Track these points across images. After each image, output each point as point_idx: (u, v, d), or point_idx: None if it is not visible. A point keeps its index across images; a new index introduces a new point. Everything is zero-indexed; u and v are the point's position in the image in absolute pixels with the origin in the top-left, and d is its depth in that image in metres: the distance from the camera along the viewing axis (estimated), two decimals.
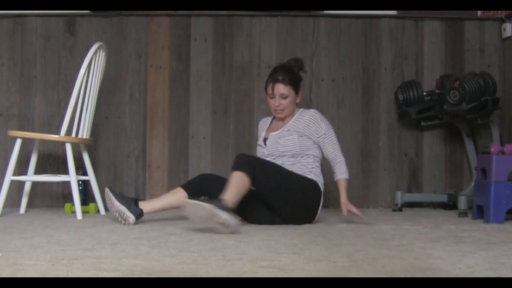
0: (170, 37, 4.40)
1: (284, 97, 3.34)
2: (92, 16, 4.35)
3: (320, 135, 3.32)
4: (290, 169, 3.26)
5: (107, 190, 3.24)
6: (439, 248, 2.34)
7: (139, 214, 3.18)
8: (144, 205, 3.22)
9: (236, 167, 3.09)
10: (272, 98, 3.37)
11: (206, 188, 3.29)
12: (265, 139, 3.42)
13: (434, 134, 4.46)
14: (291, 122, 3.38)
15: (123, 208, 3.14)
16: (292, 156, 3.29)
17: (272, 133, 3.38)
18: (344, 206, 3.28)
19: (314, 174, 3.30)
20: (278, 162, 3.30)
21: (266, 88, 3.42)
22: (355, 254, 2.18)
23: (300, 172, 3.27)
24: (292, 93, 3.36)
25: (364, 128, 4.43)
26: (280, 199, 3.19)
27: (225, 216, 2.78)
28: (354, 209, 3.28)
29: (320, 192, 3.28)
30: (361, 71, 4.44)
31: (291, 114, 3.41)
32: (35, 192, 4.26)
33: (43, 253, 2.16)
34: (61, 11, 4.23)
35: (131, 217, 3.14)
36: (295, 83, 3.37)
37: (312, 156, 3.32)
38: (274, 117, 3.50)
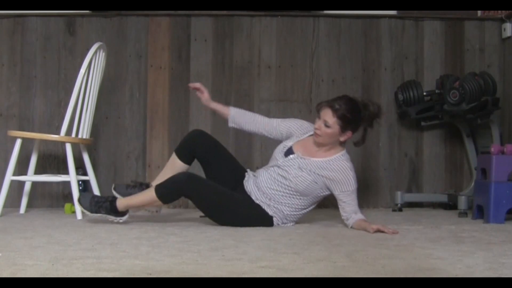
0: (170, 37, 4.40)
1: (326, 124, 3.08)
2: (92, 16, 4.35)
3: (344, 190, 3.10)
4: (273, 192, 3.15)
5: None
6: (439, 248, 2.34)
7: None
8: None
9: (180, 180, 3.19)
10: (318, 118, 3.14)
11: (197, 148, 3.39)
12: (289, 151, 3.21)
13: (434, 134, 4.46)
14: (322, 160, 3.14)
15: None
16: (292, 190, 3.13)
17: (299, 155, 3.17)
18: (372, 230, 2.97)
19: (279, 210, 3.16)
20: (278, 177, 3.16)
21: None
22: (355, 254, 2.18)
23: (272, 198, 3.15)
24: (336, 127, 3.08)
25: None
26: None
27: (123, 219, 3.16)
28: (380, 228, 2.97)
29: (270, 222, 3.16)
30: (361, 71, 4.44)
31: (329, 148, 3.17)
32: (35, 192, 4.26)
33: (43, 253, 2.16)
34: (61, 11, 4.23)
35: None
36: (346, 121, 3.08)
37: (306, 199, 3.16)
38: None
